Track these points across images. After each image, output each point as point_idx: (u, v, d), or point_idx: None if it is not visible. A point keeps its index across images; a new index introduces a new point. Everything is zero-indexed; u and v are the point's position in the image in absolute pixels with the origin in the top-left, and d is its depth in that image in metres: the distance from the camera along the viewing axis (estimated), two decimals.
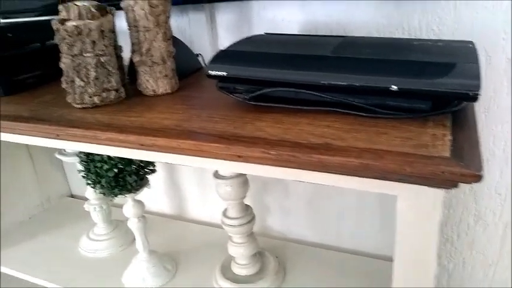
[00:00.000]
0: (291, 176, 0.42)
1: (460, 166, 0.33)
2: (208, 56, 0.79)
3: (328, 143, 0.40)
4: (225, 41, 0.79)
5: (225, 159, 0.43)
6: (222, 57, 0.50)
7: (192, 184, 0.95)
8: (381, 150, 0.37)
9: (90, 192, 0.86)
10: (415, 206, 0.37)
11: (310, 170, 0.39)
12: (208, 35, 0.80)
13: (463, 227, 0.79)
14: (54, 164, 1.09)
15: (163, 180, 0.98)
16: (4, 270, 0.89)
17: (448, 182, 0.34)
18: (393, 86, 0.41)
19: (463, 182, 0.33)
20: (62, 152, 0.81)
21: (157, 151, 0.47)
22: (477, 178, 0.32)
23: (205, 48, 0.80)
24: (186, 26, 0.79)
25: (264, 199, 0.88)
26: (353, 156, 0.36)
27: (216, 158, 0.44)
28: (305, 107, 0.47)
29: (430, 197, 0.36)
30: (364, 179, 0.38)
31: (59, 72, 0.76)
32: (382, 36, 0.66)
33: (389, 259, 0.80)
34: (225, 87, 0.51)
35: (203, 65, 0.77)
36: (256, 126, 0.46)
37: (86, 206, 0.87)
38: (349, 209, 0.80)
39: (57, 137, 0.53)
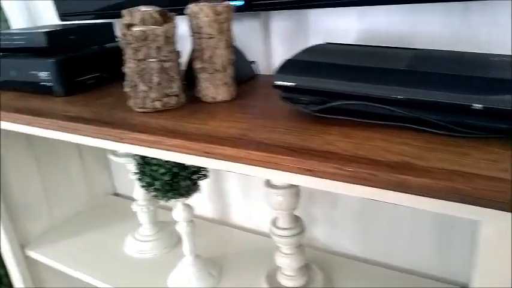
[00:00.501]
0: (363, 194, 0.40)
1: None
2: (261, 64, 0.80)
3: (408, 162, 0.38)
4: (278, 48, 0.78)
5: (293, 172, 0.43)
6: (289, 67, 0.49)
7: (237, 190, 0.95)
8: (469, 173, 0.35)
9: (138, 193, 0.87)
10: (502, 232, 0.35)
11: (388, 189, 0.38)
12: (262, 43, 0.79)
13: None
14: (101, 162, 1.12)
15: (208, 184, 0.99)
16: (52, 264, 0.91)
17: None
18: (476, 104, 0.39)
19: None
20: (114, 152, 0.82)
21: (223, 160, 0.47)
22: None
23: (258, 55, 0.80)
24: (240, 32, 0.79)
25: (310, 209, 0.86)
26: (440, 178, 0.35)
27: (283, 171, 0.43)
28: (377, 122, 0.45)
29: None
30: (449, 202, 0.36)
31: (116, 74, 0.78)
32: (449, 50, 0.63)
33: (443, 280, 0.76)
34: (289, 98, 0.50)
35: (257, 72, 0.76)
36: (324, 139, 0.44)
37: (134, 207, 0.88)
38: (403, 224, 0.77)
39: (121, 140, 0.54)
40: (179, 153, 0.50)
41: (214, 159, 0.48)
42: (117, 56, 0.77)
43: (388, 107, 0.43)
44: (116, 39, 0.81)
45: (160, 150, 0.51)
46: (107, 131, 0.54)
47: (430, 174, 0.35)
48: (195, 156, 0.49)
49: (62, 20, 0.96)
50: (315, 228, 0.87)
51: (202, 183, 0.98)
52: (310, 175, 0.41)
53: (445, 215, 0.72)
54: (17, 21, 1.17)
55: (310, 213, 0.86)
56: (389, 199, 0.39)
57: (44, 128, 0.62)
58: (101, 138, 0.56)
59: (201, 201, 1.02)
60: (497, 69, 0.44)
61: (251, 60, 0.75)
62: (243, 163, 0.45)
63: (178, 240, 0.92)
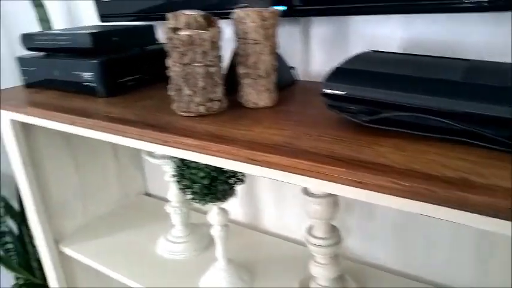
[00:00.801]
0: (418, 210, 0.39)
1: None
2: (300, 69, 0.79)
3: (465, 178, 0.36)
4: (317, 54, 0.77)
5: (342, 184, 0.42)
6: (338, 75, 0.48)
7: (269, 195, 0.94)
8: None
9: (172, 195, 0.87)
10: None
11: (445, 206, 0.36)
12: (301, 48, 0.79)
13: None
14: (135, 162, 1.13)
15: (240, 188, 0.98)
16: (85, 260, 0.93)
17: None
18: None
19: None
20: (150, 153, 0.83)
21: (268, 167, 0.46)
22: None
23: (297, 60, 0.79)
24: (280, 37, 0.79)
25: (345, 219, 0.85)
26: (499, 195, 0.33)
27: (332, 181, 0.42)
28: (431, 135, 0.43)
29: None
30: (503, 221, 0.34)
31: (155, 77, 0.79)
32: (500, 61, 0.61)
33: None
34: (336, 106, 0.49)
35: (296, 78, 0.76)
36: (376, 151, 0.43)
37: (167, 208, 0.89)
38: (441, 239, 0.75)
39: (165, 143, 0.54)
40: (224, 159, 0.50)
41: (259, 167, 0.47)
42: (156, 58, 0.79)
43: (445, 120, 0.41)
44: (156, 42, 0.82)
45: (205, 155, 0.51)
46: (151, 133, 0.55)
47: (490, 192, 0.33)
48: (239, 163, 0.49)
49: (102, 20, 0.98)
50: (349, 238, 0.86)
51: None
52: (361, 187, 0.40)
53: (487, 231, 0.69)
54: (58, 21, 1.20)
55: (345, 222, 0.85)
56: (446, 216, 0.37)
57: (88, 128, 0.63)
58: (144, 141, 0.57)
59: (233, 205, 1.01)
60: None
61: (291, 65, 0.74)
62: (289, 172, 0.45)
63: (209, 243, 0.92)
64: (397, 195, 0.38)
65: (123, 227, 1.01)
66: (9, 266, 1.15)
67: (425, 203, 0.37)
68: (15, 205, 1.31)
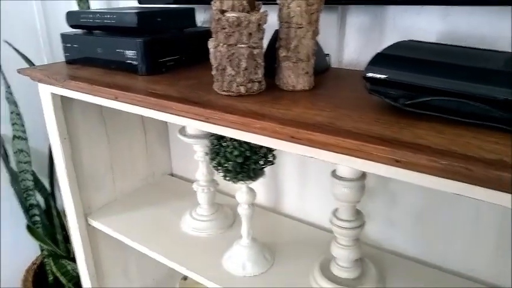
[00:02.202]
0: (455, 190, 0.41)
1: None
2: (333, 57, 0.81)
3: (501, 160, 0.39)
4: (351, 43, 0.79)
5: (382, 163, 0.44)
6: (380, 60, 0.51)
7: (292, 180, 0.97)
8: None
9: (200, 174, 0.90)
10: None
11: (481, 186, 0.39)
12: (336, 36, 0.81)
13: None
14: (163, 143, 1.17)
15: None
16: (112, 233, 0.96)
17: None
18: None
19: None
20: (182, 132, 0.86)
21: (311, 146, 0.49)
22: None
23: (331, 48, 0.81)
24: None
25: (366, 205, 0.87)
26: None
27: (372, 160, 0.45)
28: (470, 120, 0.46)
29: None
30: None
31: (193, 59, 0.82)
32: None
33: None
34: (377, 91, 0.51)
35: (330, 65, 0.78)
36: (414, 133, 0.46)
37: (195, 186, 0.92)
38: (462, 228, 0.77)
39: (207, 120, 0.57)
40: (266, 137, 0.53)
41: (301, 145, 0.50)
42: (195, 40, 0.82)
43: (484, 106, 0.43)
44: (195, 25, 0.85)
45: (247, 133, 0.54)
46: (195, 109, 0.58)
47: None
48: (281, 141, 0.51)
49: (141, 3, 1.01)
50: (370, 224, 0.88)
51: None
52: (401, 167, 0.43)
53: (507, 221, 0.71)
54: (95, 3, 1.23)
55: (365, 208, 0.87)
56: (481, 196, 0.39)
57: (131, 103, 0.67)
58: (187, 117, 0.60)
59: (256, 188, 1.04)
60: None
61: (326, 53, 0.76)
62: (332, 150, 0.47)
63: (233, 223, 0.95)
64: (435, 175, 0.41)
65: (149, 204, 1.05)
66: (36, 236, 1.20)
67: (462, 183, 0.39)
68: (44, 181, 1.36)
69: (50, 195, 1.33)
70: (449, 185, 0.41)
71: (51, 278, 1.32)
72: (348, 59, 0.81)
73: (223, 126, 0.56)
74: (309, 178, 0.94)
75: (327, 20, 0.80)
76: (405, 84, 0.48)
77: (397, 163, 0.43)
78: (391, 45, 0.54)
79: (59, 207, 1.36)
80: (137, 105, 0.66)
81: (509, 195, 0.38)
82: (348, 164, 0.48)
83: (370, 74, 0.50)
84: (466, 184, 0.40)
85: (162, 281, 1.28)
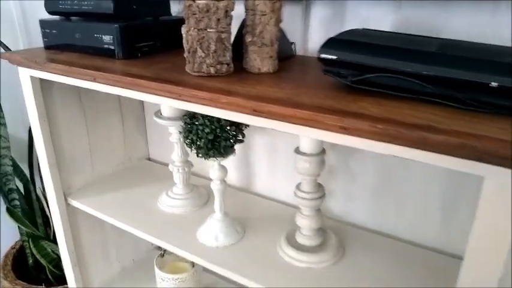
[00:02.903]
0: (390, 151, 0.48)
1: None
2: (299, 45, 0.88)
3: (431, 125, 0.46)
4: (315, 33, 0.86)
5: (331, 131, 0.51)
6: (332, 43, 0.57)
7: (262, 161, 1.03)
8: (479, 134, 0.43)
9: (175, 155, 0.96)
10: (503, 186, 0.43)
11: (412, 146, 0.46)
12: (301, 27, 0.87)
13: None
14: (139, 129, 1.21)
15: (236, 153, 1.07)
16: (91, 211, 1.01)
17: None
18: (493, 83, 0.47)
19: None
20: (159, 115, 0.91)
21: (270, 118, 0.55)
22: None
23: (296, 37, 0.87)
24: (283, 15, 0.87)
25: (329, 183, 0.94)
26: (454, 136, 0.43)
27: (323, 129, 0.51)
28: (407, 95, 0.53)
29: None
30: (459, 159, 0.44)
31: (166, 45, 0.87)
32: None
33: (445, 253, 0.84)
34: (330, 71, 0.58)
35: (296, 53, 0.85)
36: (359, 105, 0.52)
37: (170, 167, 0.97)
38: (411, 201, 0.85)
39: (179, 97, 0.63)
40: (232, 111, 0.59)
41: (262, 118, 0.56)
42: (169, 28, 0.87)
43: (419, 82, 0.51)
44: (170, 14, 0.90)
45: (215, 108, 0.60)
46: (168, 87, 0.63)
47: (445, 133, 0.43)
48: (245, 115, 0.58)
49: None
50: (333, 200, 0.96)
51: None
52: (347, 133, 0.50)
53: (451, 192, 0.80)
54: None
55: (328, 185, 0.95)
56: (411, 156, 0.47)
57: (109, 84, 0.72)
58: (161, 95, 0.65)
59: (229, 170, 1.10)
60: None
61: (291, 41, 0.83)
62: (289, 122, 0.54)
63: (207, 202, 1.01)
64: (374, 139, 0.48)
65: (127, 186, 1.10)
66: (16, 218, 1.23)
67: (396, 145, 0.47)
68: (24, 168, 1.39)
69: (29, 181, 1.36)
70: (386, 147, 0.48)
71: (31, 261, 1.35)
72: (312, 47, 0.88)
73: (194, 103, 0.62)
74: (278, 159, 1.01)
75: (293, 12, 0.86)
76: (352, 64, 0.55)
77: (344, 130, 0.50)
78: (343, 32, 0.61)
79: (38, 193, 1.38)
80: (114, 85, 0.71)
81: (435, 154, 0.45)
82: (303, 133, 0.54)
83: (322, 55, 0.56)
84: (399, 146, 0.47)
85: (141, 262, 1.33)
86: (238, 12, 0.69)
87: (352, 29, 0.64)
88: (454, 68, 0.49)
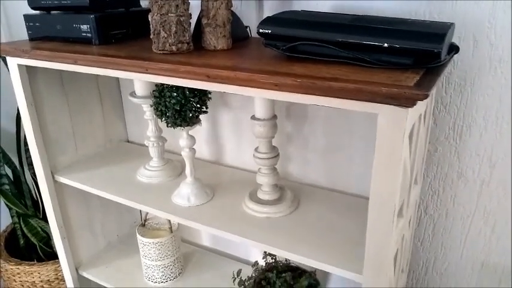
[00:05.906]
0: (311, 101, 0.62)
1: (416, 89, 0.53)
2: (253, 29, 1.01)
3: (337, 77, 0.60)
4: None
5: (265, 89, 0.64)
6: (268, 20, 0.71)
7: (229, 134, 1.17)
8: (371, 81, 0.57)
9: (150, 131, 1.08)
10: (390, 120, 0.57)
11: (322, 95, 0.60)
12: (256, 14, 1.01)
13: (448, 182, 0.97)
14: (118, 113, 1.33)
15: (206, 130, 1.20)
16: (77, 185, 1.12)
17: (409, 101, 0.54)
18: (385, 44, 0.61)
19: (417, 99, 0.53)
20: (133, 94, 1.04)
21: (220, 82, 0.68)
22: (425, 96, 0.52)
23: (252, 22, 1.01)
24: (239, 6, 1.00)
25: (286, 149, 1.08)
26: (351, 83, 0.57)
27: (259, 88, 0.65)
28: (324, 58, 0.67)
29: (400, 113, 0.56)
30: (357, 101, 0.58)
31: (137, 33, 1.00)
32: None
33: None
34: (269, 44, 0.72)
35: (250, 35, 0.98)
36: (289, 68, 0.66)
37: (146, 142, 1.10)
38: (358, 157, 0.99)
39: (146, 71, 0.76)
40: (189, 80, 0.72)
41: (214, 83, 0.69)
42: (139, 18, 0.99)
43: (334, 48, 0.65)
44: (140, 5, 1.02)
45: (176, 78, 0.73)
46: (138, 63, 0.76)
47: (345, 81, 0.57)
48: (200, 82, 0.71)
49: None
50: (290, 164, 1.09)
51: (202, 130, 1.20)
52: (278, 90, 0.63)
53: None
54: None
55: (286, 152, 1.08)
56: (322, 103, 0.60)
57: (89, 65, 0.84)
58: (132, 71, 0.78)
59: (201, 145, 1.23)
60: (408, 25, 0.66)
61: (246, 25, 0.96)
62: (233, 84, 0.67)
63: (181, 173, 1.14)
64: (294, 91, 0.61)
65: (109, 163, 1.21)
66: (8, 199, 1.34)
67: (312, 95, 0.60)
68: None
69: (17, 168, 1.46)
70: (308, 98, 0.62)
71: (22, 242, 1.46)
72: None
73: (159, 75, 0.75)
74: (243, 133, 1.14)
75: (248, 2, 1.00)
76: (283, 36, 0.68)
77: (275, 86, 0.63)
78: (280, 12, 0.75)
79: (27, 177, 1.48)
80: (92, 66, 0.83)
81: (339, 99, 0.59)
82: (244, 93, 0.68)
83: (260, 30, 0.70)
84: (315, 96, 0.61)
85: (124, 237, 1.45)
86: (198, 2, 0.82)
87: (288, 10, 0.77)
88: (359, 35, 0.63)
